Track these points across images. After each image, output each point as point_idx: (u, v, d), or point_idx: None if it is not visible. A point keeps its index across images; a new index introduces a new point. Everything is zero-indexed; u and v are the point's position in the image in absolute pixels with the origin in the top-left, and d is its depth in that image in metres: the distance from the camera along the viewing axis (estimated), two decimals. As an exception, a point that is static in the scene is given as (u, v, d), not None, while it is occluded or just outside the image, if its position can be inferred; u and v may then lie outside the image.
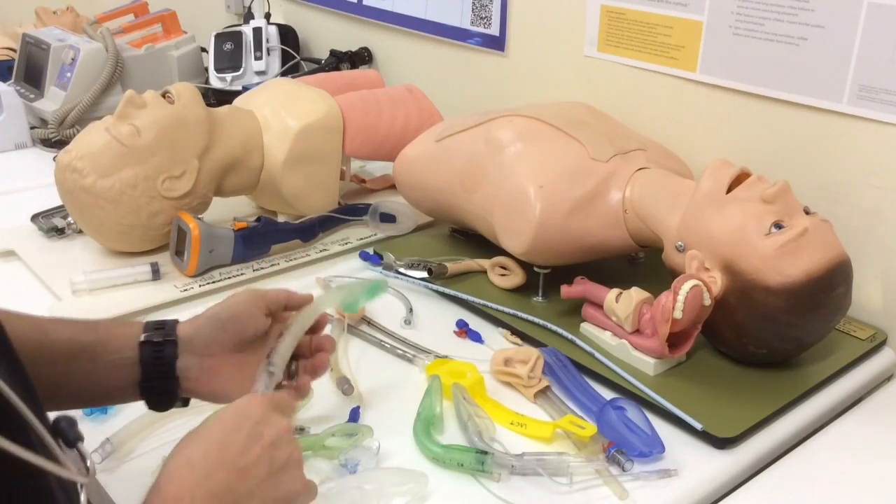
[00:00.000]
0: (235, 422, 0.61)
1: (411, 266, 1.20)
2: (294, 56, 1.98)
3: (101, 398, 0.78)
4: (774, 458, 0.89)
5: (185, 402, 0.79)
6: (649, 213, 1.05)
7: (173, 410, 0.80)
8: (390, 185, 1.49)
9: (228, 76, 1.91)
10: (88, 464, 0.54)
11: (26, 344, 0.64)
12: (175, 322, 0.77)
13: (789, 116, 1.15)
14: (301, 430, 0.88)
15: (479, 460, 0.81)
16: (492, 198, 1.12)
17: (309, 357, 0.82)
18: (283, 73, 1.94)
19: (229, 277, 1.19)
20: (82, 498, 0.51)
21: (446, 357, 1.00)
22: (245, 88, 1.75)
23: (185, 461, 0.57)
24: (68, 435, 0.54)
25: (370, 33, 1.87)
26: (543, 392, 0.94)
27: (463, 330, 1.08)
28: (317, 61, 1.94)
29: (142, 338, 0.73)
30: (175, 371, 0.74)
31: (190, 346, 0.75)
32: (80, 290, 1.13)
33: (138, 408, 0.88)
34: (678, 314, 0.91)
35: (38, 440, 0.48)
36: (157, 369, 0.73)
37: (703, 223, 0.97)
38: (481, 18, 1.57)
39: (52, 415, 0.57)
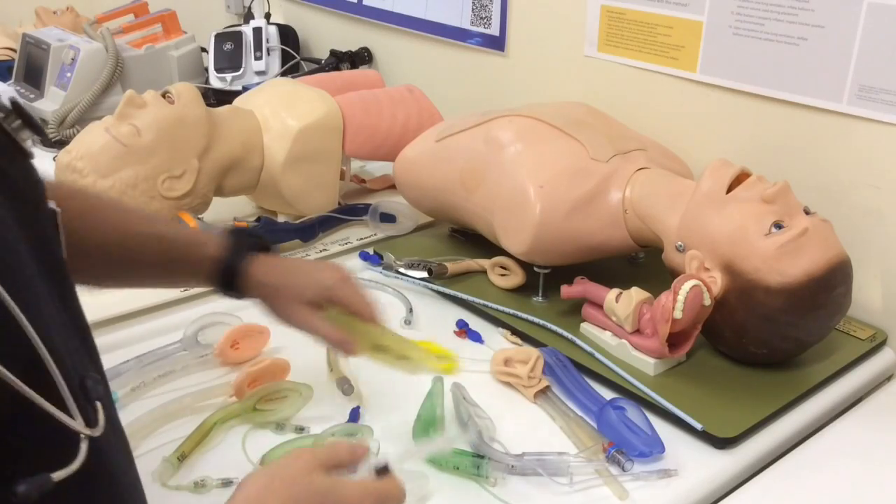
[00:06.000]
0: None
1: (411, 266, 1.20)
2: (294, 56, 1.98)
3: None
4: (774, 458, 0.89)
5: None
6: (649, 213, 1.05)
7: (173, 411, 0.83)
8: (390, 185, 1.49)
9: (228, 76, 1.92)
10: (100, 417, 0.50)
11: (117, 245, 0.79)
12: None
13: (789, 116, 1.15)
14: (301, 429, 0.88)
15: (476, 464, 0.81)
16: (492, 198, 1.12)
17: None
18: (283, 73, 1.94)
19: (229, 277, 1.18)
20: (82, 447, 0.47)
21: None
22: (245, 88, 1.75)
23: None
24: (91, 392, 0.51)
25: (370, 33, 1.87)
26: (543, 392, 0.94)
27: (463, 330, 1.08)
28: (317, 61, 1.94)
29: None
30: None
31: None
32: (79, 290, 1.12)
33: (138, 408, 0.89)
34: (678, 314, 0.91)
35: (51, 386, 0.46)
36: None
37: (703, 223, 0.97)
38: (481, 18, 1.57)
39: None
